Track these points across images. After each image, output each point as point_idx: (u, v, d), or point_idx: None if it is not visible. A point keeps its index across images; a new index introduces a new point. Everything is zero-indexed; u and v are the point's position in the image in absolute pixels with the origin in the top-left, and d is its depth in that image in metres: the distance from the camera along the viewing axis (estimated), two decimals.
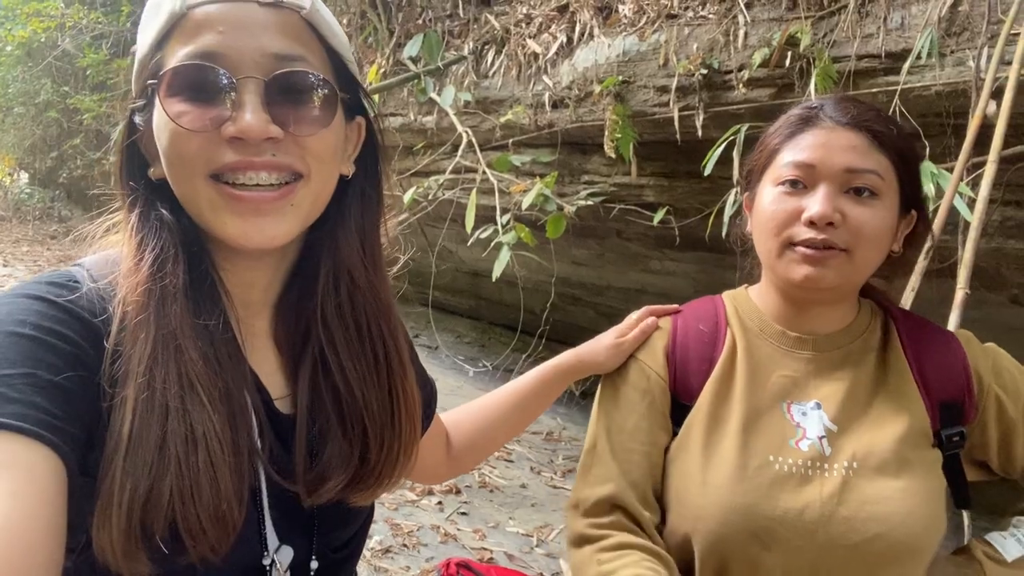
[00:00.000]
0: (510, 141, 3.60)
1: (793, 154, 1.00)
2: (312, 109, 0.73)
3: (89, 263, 0.76)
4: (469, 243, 3.30)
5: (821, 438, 1.00)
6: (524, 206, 3.23)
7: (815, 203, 0.96)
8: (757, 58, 2.52)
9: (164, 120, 0.70)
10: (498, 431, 1.22)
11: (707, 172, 2.43)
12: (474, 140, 3.62)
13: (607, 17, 3.20)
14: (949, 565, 1.02)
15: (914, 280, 1.52)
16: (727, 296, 1.17)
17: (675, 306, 1.18)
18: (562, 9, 3.44)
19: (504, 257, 3.10)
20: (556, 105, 3.37)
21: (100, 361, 0.68)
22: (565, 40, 3.34)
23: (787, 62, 2.46)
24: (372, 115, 0.85)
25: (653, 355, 1.11)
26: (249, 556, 0.76)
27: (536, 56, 3.46)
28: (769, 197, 1.02)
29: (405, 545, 3.03)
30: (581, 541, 1.07)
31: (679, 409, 1.07)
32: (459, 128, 3.69)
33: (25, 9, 8.00)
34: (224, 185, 0.70)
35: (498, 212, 3.32)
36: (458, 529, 3.21)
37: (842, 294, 1.04)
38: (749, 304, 1.12)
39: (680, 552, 1.02)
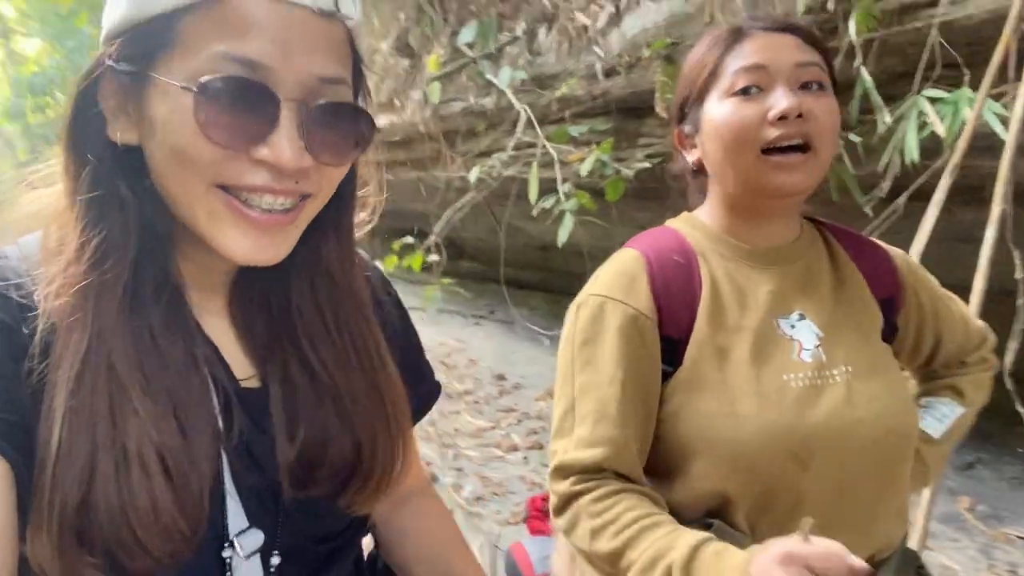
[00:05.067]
0: (567, 113, 3.75)
1: (740, 60, 0.99)
2: (346, 141, 0.68)
3: (23, 241, 0.69)
4: (534, 213, 3.48)
5: (817, 347, 1.00)
6: (583, 173, 3.39)
7: (780, 99, 0.96)
8: (801, 6, 2.59)
9: (188, 122, 0.61)
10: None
11: None
12: (532, 116, 3.79)
13: None
14: None
15: (939, 195, 1.61)
16: (676, 224, 1.12)
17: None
18: None
19: (567, 223, 3.26)
20: (609, 74, 3.49)
21: (29, 348, 0.61)
22: (613, 9, 3.46)
23: (831, 5, 2.52)
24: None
25: (635, 294, 1.02)
26: (209, 549, 0.69)
27: (585, 28, 3.59)
28: (725, 109, 0.99)
29: (495, 493, 3.27)
30: (568, 499, 0.98)
31: (670, 346, 1.01)
32: (516, 105, 3.87)
33: None
34: (233, 198, 0.64)
35: (559, 181, 3.49)
36: (544, 478, 3.43)
37: (799, 202, 1.07)
38: (705, 229, 1.08)
39: (708, 500, 0.98)
